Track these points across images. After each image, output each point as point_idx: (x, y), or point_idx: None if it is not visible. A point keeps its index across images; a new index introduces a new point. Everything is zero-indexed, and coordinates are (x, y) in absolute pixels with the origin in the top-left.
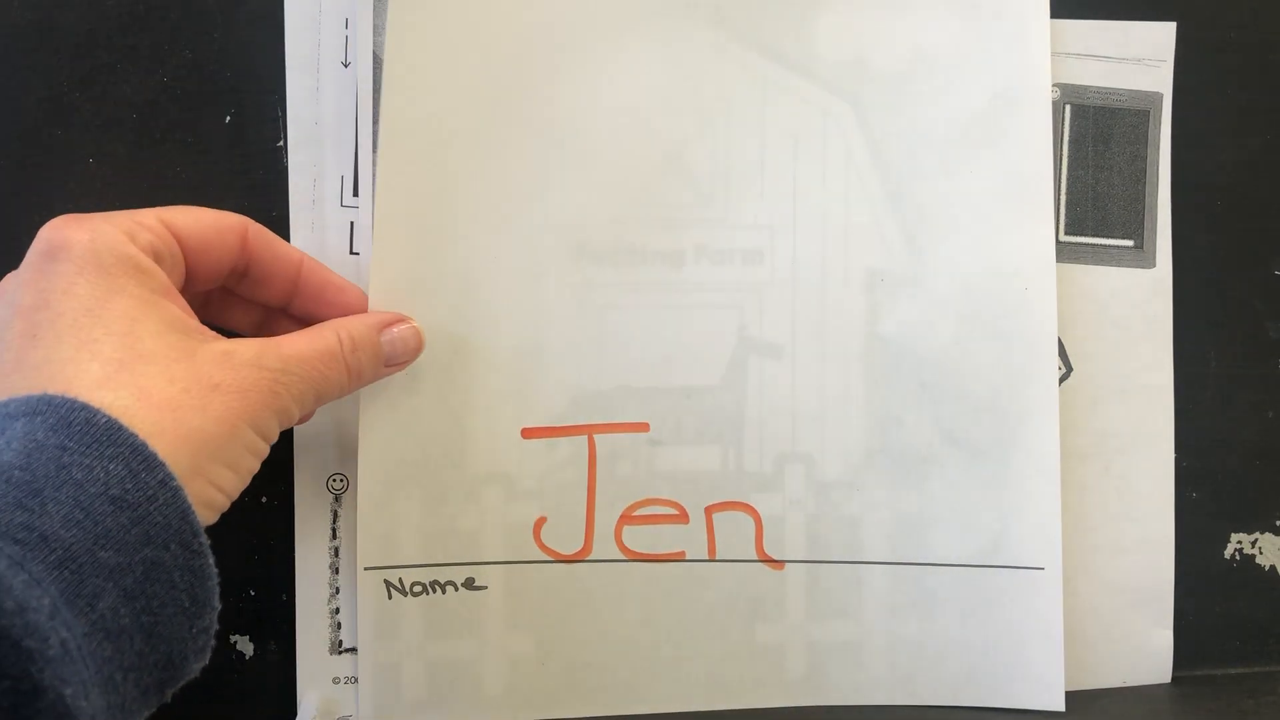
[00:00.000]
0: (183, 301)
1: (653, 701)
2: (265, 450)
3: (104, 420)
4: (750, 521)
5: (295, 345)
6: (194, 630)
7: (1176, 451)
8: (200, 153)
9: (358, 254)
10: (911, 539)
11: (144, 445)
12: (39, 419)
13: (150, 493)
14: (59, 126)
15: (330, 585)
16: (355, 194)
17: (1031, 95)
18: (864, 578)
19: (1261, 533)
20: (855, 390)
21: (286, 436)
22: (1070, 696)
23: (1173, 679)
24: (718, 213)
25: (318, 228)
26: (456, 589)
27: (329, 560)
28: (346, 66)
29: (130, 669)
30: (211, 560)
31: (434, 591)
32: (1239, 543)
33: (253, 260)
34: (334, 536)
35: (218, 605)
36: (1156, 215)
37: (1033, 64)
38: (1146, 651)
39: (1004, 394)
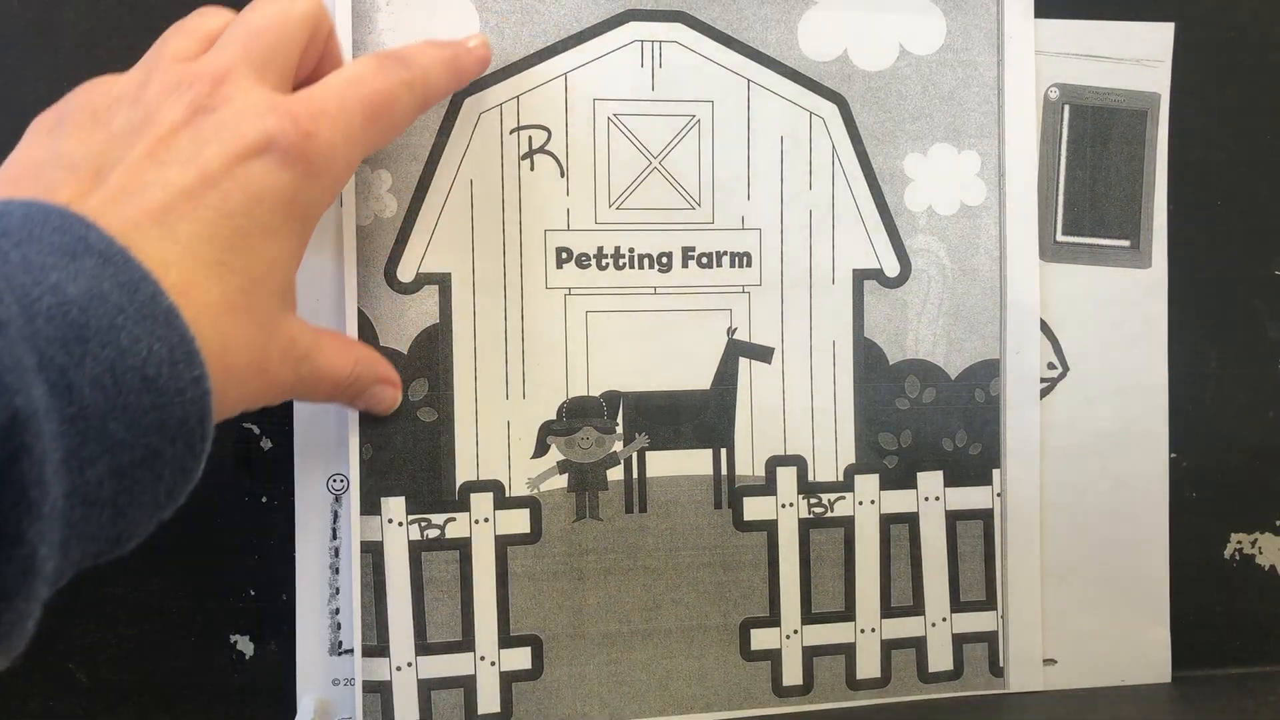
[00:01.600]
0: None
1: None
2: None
3: (166, 305)
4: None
5: (326, 362)
6: (153, 520)
7: (1177, 451)
8: None
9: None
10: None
11: (194, 341)
12: (110, 268)
13: (182, 385)
14: None
15: (330, 585)
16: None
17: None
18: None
19: (1261, 532)
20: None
21: (287, 436)
22: (1070, 695)
23: (1173, 679)
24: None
25: (318, 228)
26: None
27: (329, 560)
28: None
29: (86, 538)
30: (203, 466)
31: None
32: (1239, 543)
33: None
34: (334, 536)
35: (181, 502)
36: (1153, 215)
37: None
38: (1144, 650)
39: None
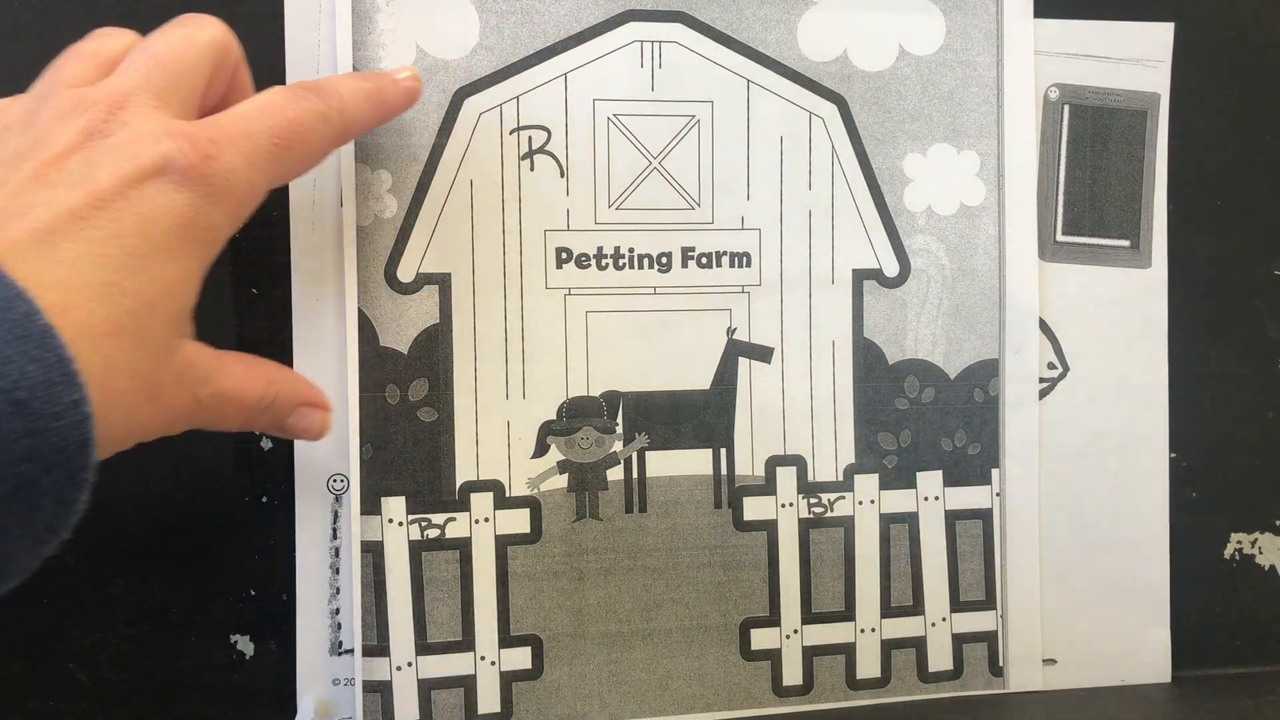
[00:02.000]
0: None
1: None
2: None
3: (41, 325)
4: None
5: (232, 385)
6: (34, 556)
7: (1176, 451)
8: None
9: None
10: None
11: (72, 363)
12: None
13: (58, 410)
14: None
15: (330, 585)
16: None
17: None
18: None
19: (1261, 532)
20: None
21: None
22: (1070, 695)
23: (1173, 679)
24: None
25: (318, 228)
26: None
27: (329, 560)
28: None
29: None
30: (87, 497)
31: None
32: (1239, 542)
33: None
34: (334, 536)
35: (67, 536)
36: (1153, 215)
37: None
38: (1144, 649)
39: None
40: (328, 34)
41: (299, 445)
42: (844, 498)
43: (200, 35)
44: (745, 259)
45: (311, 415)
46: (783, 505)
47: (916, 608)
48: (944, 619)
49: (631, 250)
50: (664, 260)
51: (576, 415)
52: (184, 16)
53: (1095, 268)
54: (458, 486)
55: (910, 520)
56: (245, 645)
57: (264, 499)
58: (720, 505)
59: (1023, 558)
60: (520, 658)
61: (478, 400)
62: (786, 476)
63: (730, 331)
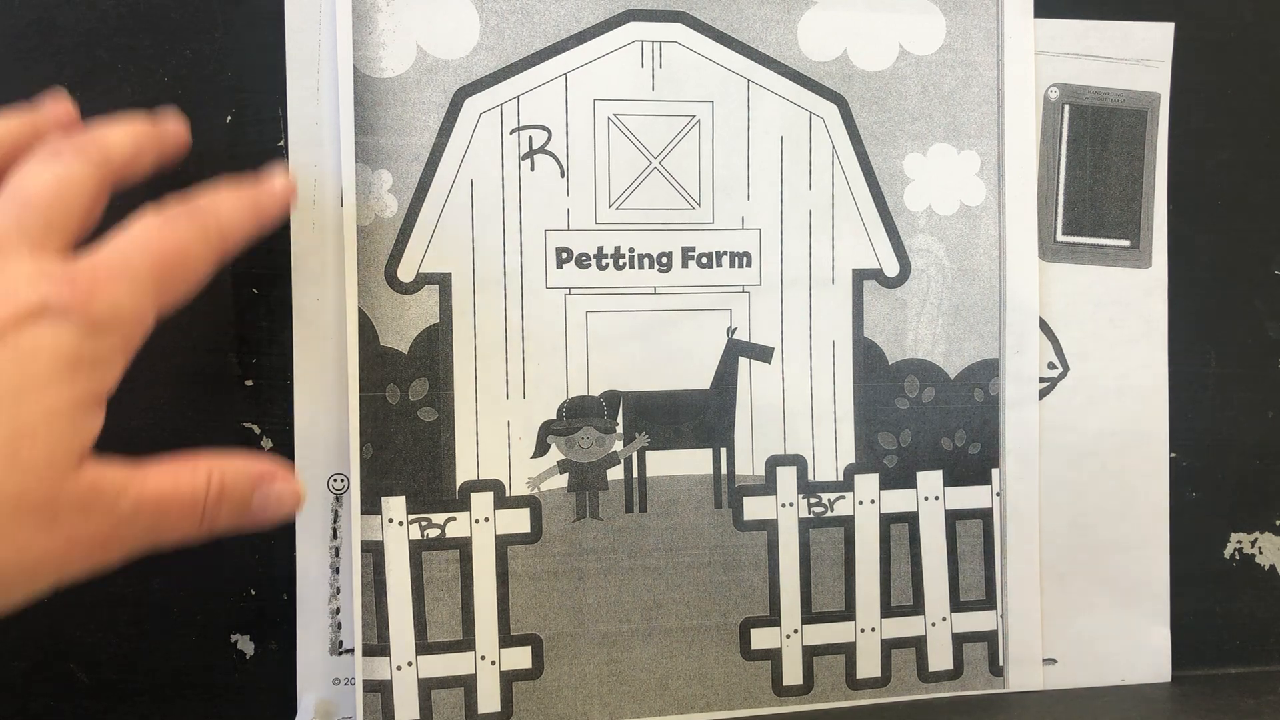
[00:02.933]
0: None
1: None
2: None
3: None
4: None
5: (159, 485)
6: None
7: (1176, 451)
8: (200, 153)
9: None
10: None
11: None
12: None
13: None
14: None
15: (330, 585)
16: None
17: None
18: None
19: (1261, 532)
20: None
21: (287, 436)
22: (1070, 695)
23: (1173, 678)
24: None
25: (318, 228)
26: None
27: (329, 560)
28: None
29: None
30: None
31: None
32: (1239, 542)
33: None
34: (334, 536)
35: None
36: (1153, 215)
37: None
38: (1145, 649)
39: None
40: (328, 34)
41: (299, 445)
42: (844, 497)
43: (72, 173)
44: (745, 259)
45: (279, 488)
46: (783, 505)
47: (916, 607)
48: (944, 619)
49: (632, 250)
50: (664, 260)
51: (576, 415)
52: (55, 148)
53: (1095, 268)
54: (458, 486)
55: (910, 520)
56: (245, 645)
57: None
58: (720, 505)
59: (1023, 558)
60: (520, 657)
61: (478, 400)
62: (786, 476)
63: (730, 331)
